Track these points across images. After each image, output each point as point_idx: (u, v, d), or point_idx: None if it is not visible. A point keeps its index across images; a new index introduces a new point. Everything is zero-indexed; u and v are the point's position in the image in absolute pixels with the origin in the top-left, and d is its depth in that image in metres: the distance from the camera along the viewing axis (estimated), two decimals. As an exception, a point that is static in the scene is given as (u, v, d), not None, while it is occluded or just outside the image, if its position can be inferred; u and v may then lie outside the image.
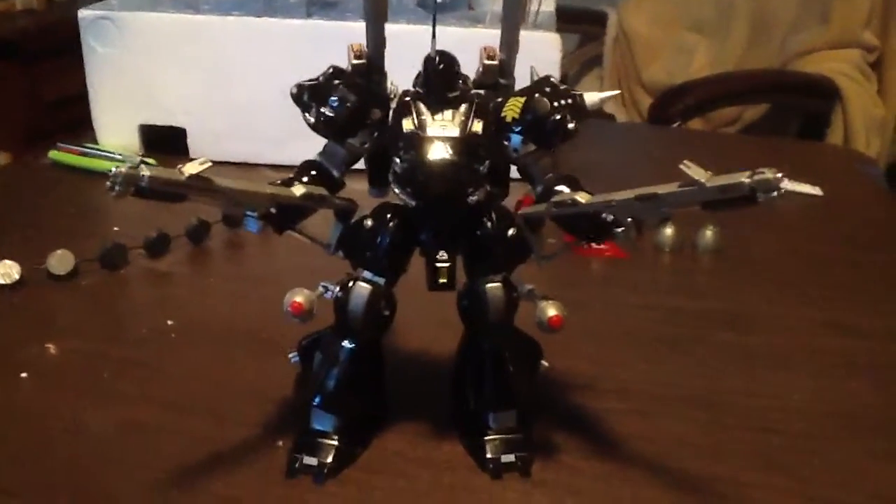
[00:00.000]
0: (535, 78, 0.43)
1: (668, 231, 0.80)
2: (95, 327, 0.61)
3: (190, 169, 0.35)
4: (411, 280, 0.46)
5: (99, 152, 0.94)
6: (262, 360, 0.55)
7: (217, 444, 0.47)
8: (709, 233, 0.80)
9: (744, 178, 0.33)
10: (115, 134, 0.97)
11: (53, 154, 0.94)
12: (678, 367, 0.59)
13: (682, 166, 0.35)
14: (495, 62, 0.43)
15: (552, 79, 0.42)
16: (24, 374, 0.54)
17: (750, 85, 1.71)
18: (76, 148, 0.95)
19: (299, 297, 0.41)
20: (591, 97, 0.41)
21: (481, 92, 0.43)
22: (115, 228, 0.78)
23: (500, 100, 0.42)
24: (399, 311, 0.46)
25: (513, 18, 0.42)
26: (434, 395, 0.52)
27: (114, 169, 0.33)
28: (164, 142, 0.97)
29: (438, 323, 0.49)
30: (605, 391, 0.54)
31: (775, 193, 0.33)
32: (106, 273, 0.68)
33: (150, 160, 0.92)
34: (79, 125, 1.01)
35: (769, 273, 0.77)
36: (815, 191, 0.97)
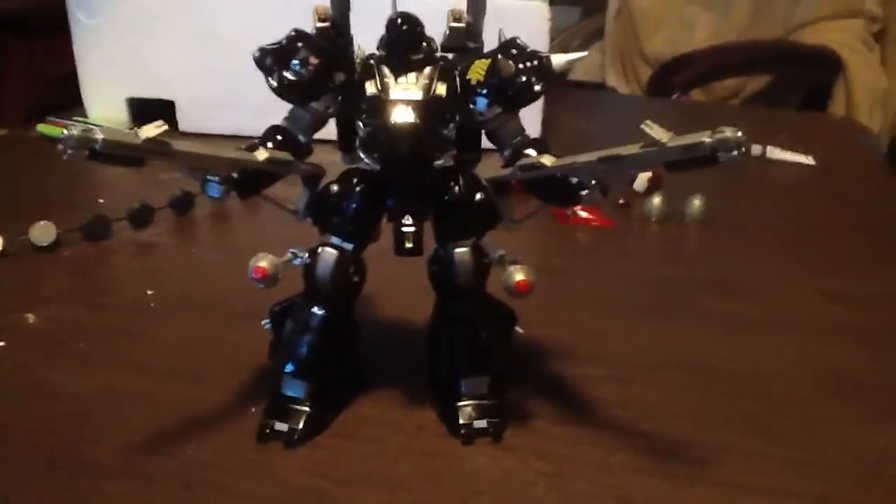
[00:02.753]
0: (503, 40, 0.43)
1: (656, 200, 0.80)
2: (76, 297, 0.61)
3: (146, 132, 0.34)
4: (385, 247, 0.45)
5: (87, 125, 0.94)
6: (241, 328, 0.55)
7: (190, 409, 0.47)
8: (697, 202, 0.79)
9: (704, 137, 0.33)
10: (104, 107, 0.97)
11: (41, 127, 0.94)
12: (660, 334, 0.58)
13: (643, 126, 0.34)
14: (461, 24, 0.42)
15: (518, 40, 0.41)
16: (1, 343, 0.54)
17: (751, 56, 1.70)
18: (65, 121, 0.95)
19: (263, 262, 0.41)
20: (558, 59, 0.41)
21: (448, 55, 0.42)
22: (100, 200, 0.78)
23: (465, 63, 0.42)
24: (374, 278, 0.46)
25: (479, -20, 0.41)
26: (408, 362, 0.52)
27: (65, 131, 0.32)
28: (153, 115, 0.95)
29: (414, 290, 0.49)
30: (584, 358, 0.54)
31: (735, 153, 0.32)
32: (89, 244, 0.68)
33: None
34: (79, 102, 1.01)
35: (757, 241, 0.76)
36: (808, 160, 0.97)
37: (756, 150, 0.98)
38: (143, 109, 0.97)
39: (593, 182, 0.38)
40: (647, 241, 0.77)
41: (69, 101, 1.05)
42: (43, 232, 0.67)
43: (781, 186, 0.92)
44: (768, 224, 0.81)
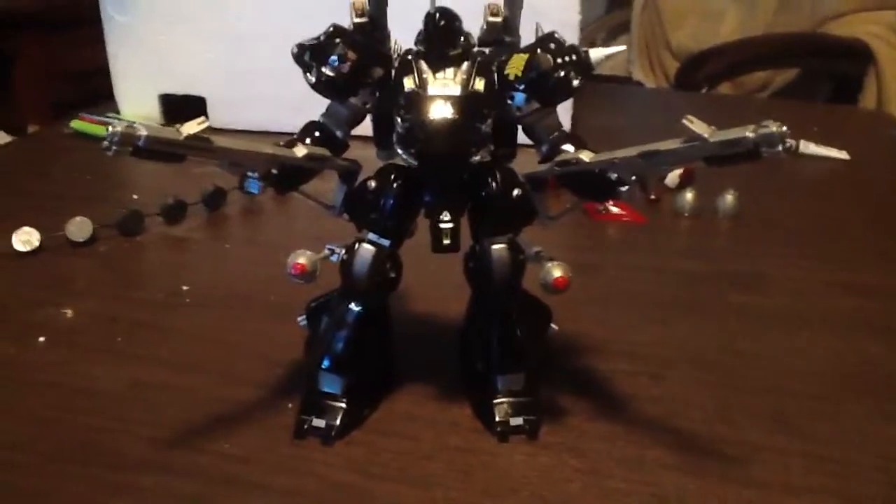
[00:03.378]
0: (540, 35, 0.42)
1: (689, 196, 0.79)
2: (111, 292, 0.62)
3: (188, 129, 0.35)
4: (420, 243, 0.45)
5: (120, 120, 0.95)
6: (275, 324, 0.56)
7: (226, 404, 0.48)
8: (729, 197, 0.79)
9: (748, 132, 0.32)
10: (136, 103, 0.98)
11: (75, 124, 0.95)
12: (690, 329, 0.58)
13: (684, 121, 0.34)
14: (498, 19, 0.42)
15: (556, 35, 0.41)
16: (41, 338, 0.54)
17: (779, 49, 1.68)
18: (97, 118, 0.96)
19: (302, 258, 0.41)
20: (596, 53, 0.40)
21: (484, 50, 0.42)
22: (134, 196, 0.79)
23: (503, 57, 0.42)
24: (408, 273, 0.46)
25: (516, -25, 0.41)
26: (442, 357, 0.52)
27: (110, 128, 0.33)
28: (185, 111, 0.98)
29: (448, 285, 0.49)
30: (615, 353, 0.54)
31: (780, 148, 0.32)
32: (123, 239, 0.69)
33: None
34: (106, 97, 1.02)
35: (788, 236, 0.76)
36: (841, 154, 0.95)
37: (790, 143, 0.97)
38: (175, 106, 0.98)
39: (633, 178, 0.38)
40: (679, 237, 0.76)
41: (92, 95, 1.06)
42: (79, 228, 0.67)
43: (814, 181, 0.91)
44: (800, 220, 0.80)
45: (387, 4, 0.42)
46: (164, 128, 0.34)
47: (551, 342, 0.52)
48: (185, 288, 0.61)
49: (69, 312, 0.58)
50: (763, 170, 0.92)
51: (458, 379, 0.50)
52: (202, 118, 0.35)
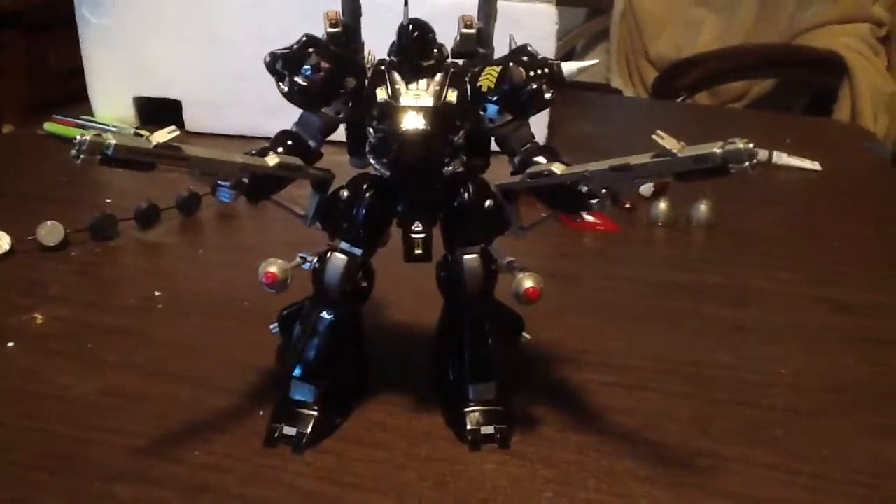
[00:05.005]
0: (513, 47, 0.43)
1: (662, 205, 0.80)
2: (83, 297, 0.61)
3: (158, 137, 0.35)
4: (394, 250, 0.45)
5: (93, 124, 0.94)
6: (248, 330, 0.55)
7: (198, 411, 0.47)
8: (703, 207, 0.79)
9: (716, 148, 0.33)
10: (111, 106, 0.97)
11: (48, 125, 0.94)
12: (666, 340, 0.59)
13: (654, 136, 0.35)
14: (472, 31, 0.42)
15: (529, 48, 0.41)
16: (10, 344, 0.54)
17: (757, 59, 1.70)
18: (71, 120, 0.95)
19: (273, 267, 0.41)
20: (568, 66, 0.41)
21: (458, 62, 0.42)
22: (108, 200, 0.78)
23: (476, 69, 0.42)
24: (381, 281, 0.46)
25: (490, -13, 0.41)
26: (415, 365, 0.52)
27: (78, 136, 0.33)
28: (160, 114, 0.97)
29: (422, 293, 0.49)
30: (589, 364, 0.54)
31: (746, 164, 0.32)
32: (96, 244, 0.68)
33: (144, 132, 0.92)
34: (84, 97, 1.01)
35: (764, 247, 0.76)
36: (814, 165, 0.96)
37: (762, 155, 0.98)
38: (150, 108, 0.97)
39: (603, 190, 0.38)
40: (653, 247, 0.77)
41: (71, 95, 1.05)
42: (50, 232, 0.67)
43: (788, 191, 0.92)
44: (774, 230, 0.81)
45: (360, 14, 0.42)
46: (134, 136, 0.34)
47: (525, 351, 0.52)
48: (157, 293, 0.61)
49: (39, 318, 0.57)
50: (737, 180, 0.94)
51: (431, 387, 0.50)
52: (172, 127, 0.35)
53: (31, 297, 0.60)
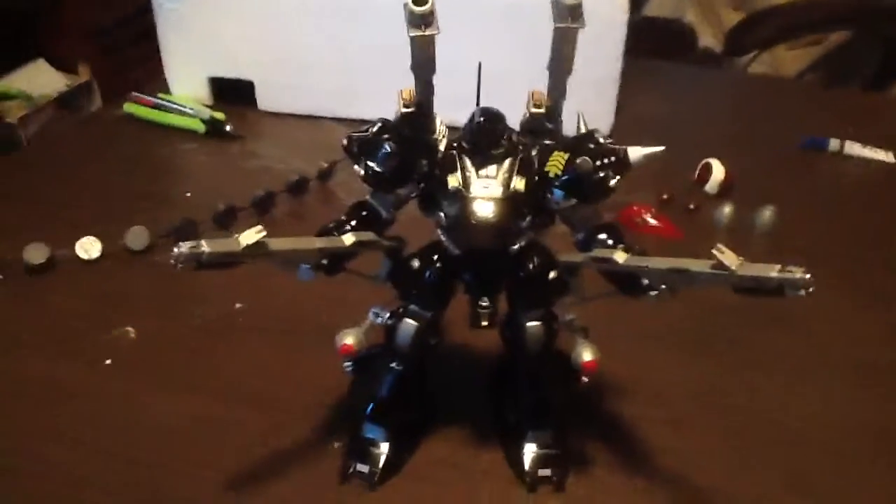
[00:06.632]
0: (582, 126, 0.44)
1: (727, 209, 0.80)
2: (169, 309, 0.65)
3: (245, 239, 0.37)
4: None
5: (171, 105, 0.97)
6: (324, 350, 0.58)
7: (277, 441, 0.52)
8: (767, 213, 0.79)
9: (773, 272, 0.34)
10: (186, 85, 1.00)
11: (128, 106, 0.98)
12: (716, 370, 0.60)
13: (714, 251, 0.36)
14: (541, 110, 0.43)
15: (596, 134, 0.42)
16: (108, 361, 0.59)
17: (834, 13, 1.61)
18: (150, 99, 0.98)
19: (349, 339, 0.44)
20: (634, 153, 0.42)
21: (525, 140, 0.44)
22: (188, 194, 0.82)
23: (546, 143, 0.43)
24: (451, 313, 0.48)
25: (561, 69, 0.42)
26: (476, 398, 0.55)
27: (176, 250, 0.36)
28: (233, 94, 1.00)
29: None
30: (640, 396, 0.57)
31: (802, 293, 0.34)
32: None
33: (219, 115, 0.95)
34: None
35: (827, 264, 0.74)
36: (888, 157, 0.94)
37: (834, 144, 0.96)
38: (224, 88, 1.00)
39: (663, 286, 0.40)
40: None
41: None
42: (137, 237, 0.71)
43: (858, 192, 0.90)
44: (841, 242, 0.78)
45: (433, 93, 0.43)
46: (224, 240, 0.37)
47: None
48: (238, 306, 0.65)
49: (132, 332, 0.62)
50: (805, 175, 0.92)
51: (490, 422, 0.53)
52: (258, 227, 0.38)
53: (122, 310, 0.65)
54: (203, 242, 0.36)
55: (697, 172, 0.87)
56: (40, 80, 1.07)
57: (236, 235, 0.38)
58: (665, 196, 0.83)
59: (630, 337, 0.62)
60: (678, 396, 0.57)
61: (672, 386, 0.58)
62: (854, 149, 0.95)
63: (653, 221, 0.79)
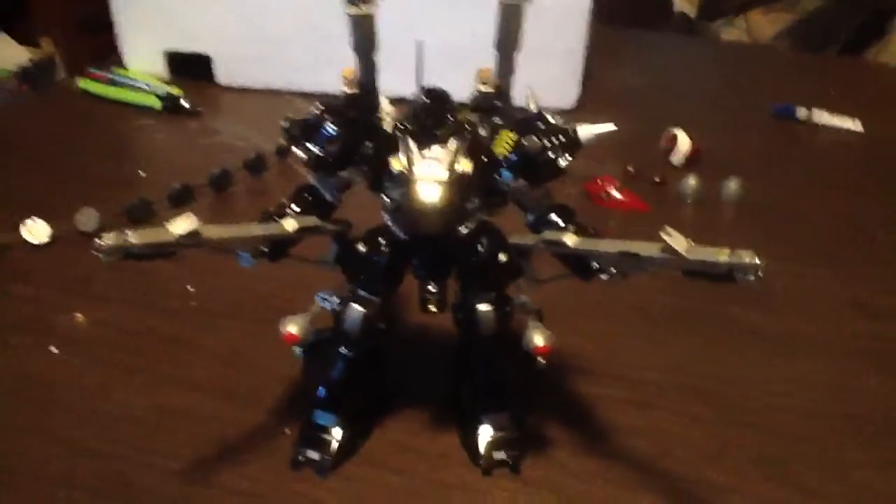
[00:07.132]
0: (532, 104, 0.42)
1: (692, 181, 0.79)
2: (120, 294, 0.63)
3: (177, 228, 0.36)
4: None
5: (126, 81, 0.94)
6: (276, 330, 0.57)
7: (235, 430, 0.50)
8: (733, 185, 0.78)
9: (722, 257, 0.33)
10: (142, 60, 0.97)
11: (83, 83, 0.95)
12: (684, 349, 0.59)
13: (662, 234, 0.35)
14: (490, 89, 0.42)
15: (545, 113, 0.41)
16: (55, 350, 0.57)
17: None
18: (105, 74, 0.95)
19: (292, 327, 0.43)
20: (585, 131, 0.40)
21: (473, 120, 0.42)
22: (141, 173, 0.80)
23: (495, 120, 0.42)
24: (405, 292, 0.47)
25: (509, 46, 0.40)
26: (436, 382, 0.54)
27: (97, 241, 0.34)
28: (190, 68, 0.97)
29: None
30: (604, 376, 0.56)
31: (752, 277, 0.33)
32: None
33: (176, 90, 0.92)
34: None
35: (797, 235, 0.74)
36: (855, 125, 0.93)
37: (802, 113, 0.95)
38: (181, 63, 0.97)
39: (613, 270, 0.39)
40: (680, 229, 0.76)
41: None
42: (88, 219, 0.69)
43: (826, 161, 0.89)
44: (808, 213, 0.78)
45: (376, 69, 0.42)
46: (153, 230, 0.36)
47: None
48: (191, 289, 0.63)
49: (80, 317, 0.60)
50: (772, 143, 0.91)
51: (449, 404, 0.52)
52: (188, 213, 0.36)
53: (71, 292, 0.63)
54: (129, 233, 0.35)
55: (662, 142, 0.86)
56: (1, 54, 1.04)
57: (166, 224, 0.36)
58: (630, 168, 0.82)
59: (594, 312, 0.61)
60: (643, 377, 0.56)
61: (636, 367, 0.57)
62: (823, 117, 0.94)
63: (618, 195, 0.78)
